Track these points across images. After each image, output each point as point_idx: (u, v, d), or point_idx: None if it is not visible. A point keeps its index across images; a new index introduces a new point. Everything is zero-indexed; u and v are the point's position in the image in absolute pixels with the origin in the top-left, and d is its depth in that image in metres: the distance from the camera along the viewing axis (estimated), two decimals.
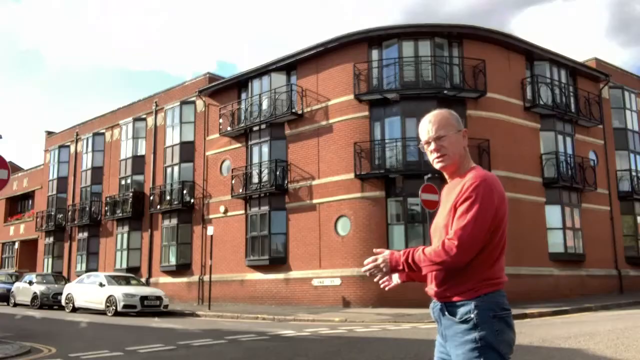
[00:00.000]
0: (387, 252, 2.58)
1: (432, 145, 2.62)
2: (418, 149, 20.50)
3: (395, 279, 2.82)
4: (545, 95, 22.36)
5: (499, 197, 2.46)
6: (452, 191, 2.56)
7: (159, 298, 19.88)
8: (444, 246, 2.40)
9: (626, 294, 22.19)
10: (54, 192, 35.18)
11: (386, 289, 2.82)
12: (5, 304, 26.09)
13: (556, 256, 21.56)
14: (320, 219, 21.03)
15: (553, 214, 21.97)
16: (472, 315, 2.41)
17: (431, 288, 2.59)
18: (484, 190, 2.43)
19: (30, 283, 24.69)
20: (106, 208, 30.37)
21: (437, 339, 2.64)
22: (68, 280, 27.79)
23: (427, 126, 2.64)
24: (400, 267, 2.53)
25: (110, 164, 31.56)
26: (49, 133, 38.13)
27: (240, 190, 23.54)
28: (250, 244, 23.17)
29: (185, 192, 26.32)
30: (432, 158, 2.64)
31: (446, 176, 2.69)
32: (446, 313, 2.50)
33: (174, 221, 26.78)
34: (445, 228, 2.50)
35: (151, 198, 27.91)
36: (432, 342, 2.87)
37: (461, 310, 2.44)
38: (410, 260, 2.48)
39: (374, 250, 2.64)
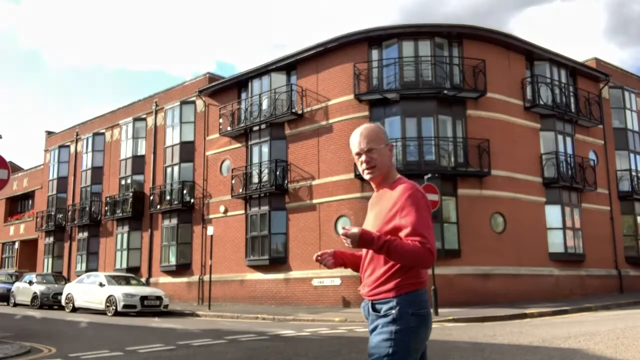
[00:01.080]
0: (357, 229, 2.64)
1: (363, 157, 2.77)
2: (418, 148, 20.38)
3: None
4: (545, 95, 22.35)
5: (429, 204, 2.69)
6: (381, 200, 2.74)
7: (159, 298, 19.88)
8: (423, 246, 2.51)
9: (626, 294, 22.19)
10: (54, 192, 35.18)
11: (326, 265, 2.92)
12: (5, 304, 26.10)
13: (556, 256, 21.55)
14: (320, 219, 21.03)
15: (553, 214, 21.96)
16: (393, 311, 2.61)
17: (363, 288, 2.77)
18: (421, 198, 2.65)
19: (30, 283, 24.69)
20: (106, 208, 30.37)
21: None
22: (68, 280, 27.78)
23: (358, 139, 2.80)
24: (373, 247, 2.59)
25: (110, 164, 31.56)
26: (49, 133, 38.13)
27: (240, 190, 23.54)
28: (250, 244, 23.17)
29: (185, 192, 26.33)
30: (362, 169, 2.80)
31: (373, 186, 2.84)
32: (372, 310, 2.70)
33: (174, 221, 26.79)
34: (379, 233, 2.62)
35: (151, 198, 27.91)
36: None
37: (384, 307, 2.65)
38: (386, 247, 2.54)
39: (343, 228, 2.69)
